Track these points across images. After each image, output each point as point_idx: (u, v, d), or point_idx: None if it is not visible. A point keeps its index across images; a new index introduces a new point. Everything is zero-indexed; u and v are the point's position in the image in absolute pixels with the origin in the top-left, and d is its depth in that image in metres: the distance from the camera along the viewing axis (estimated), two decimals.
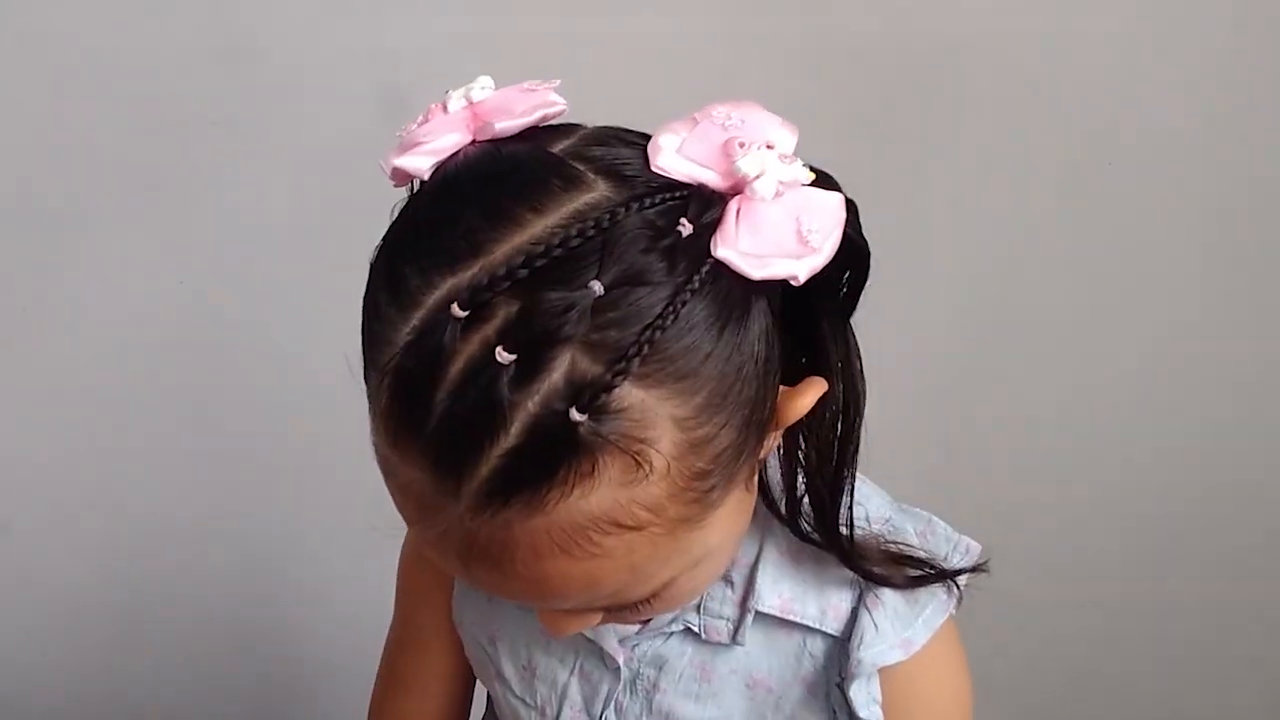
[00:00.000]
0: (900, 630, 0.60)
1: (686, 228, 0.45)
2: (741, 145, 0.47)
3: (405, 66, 1.04)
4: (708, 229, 0.45)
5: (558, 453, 0.43)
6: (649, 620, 0.62)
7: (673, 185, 0.46)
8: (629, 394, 0.44)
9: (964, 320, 1.19)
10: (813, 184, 0.48)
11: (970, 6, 1.08)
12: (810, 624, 0.60)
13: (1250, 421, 1.23)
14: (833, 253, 0.47)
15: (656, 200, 0.45)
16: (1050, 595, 1.26)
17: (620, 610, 0.54)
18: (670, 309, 0.44)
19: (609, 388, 0.43)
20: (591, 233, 0.44)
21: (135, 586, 1.23)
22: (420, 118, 0.50)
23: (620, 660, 0.63)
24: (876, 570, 0.59)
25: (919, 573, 0.60)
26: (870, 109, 1.10)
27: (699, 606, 0.61)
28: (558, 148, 0.48)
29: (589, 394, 0.43)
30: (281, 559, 1.23)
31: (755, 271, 0.45)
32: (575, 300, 0.43)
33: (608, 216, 0.44)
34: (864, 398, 0.55)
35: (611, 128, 0.50)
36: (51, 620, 1.23)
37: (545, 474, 0.44)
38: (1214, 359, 1.20)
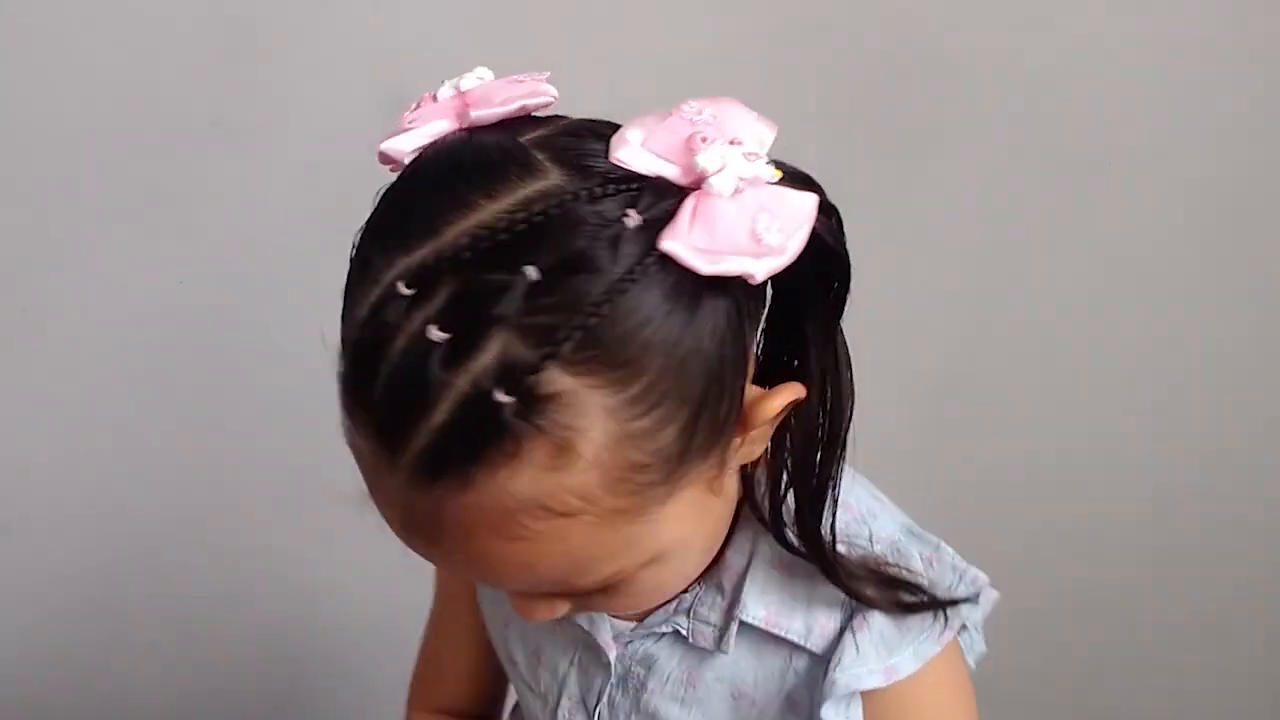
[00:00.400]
0: (884, 656, 0.58)
1: (633, 219, 0.45)
2: (704, 140, 0.47)
3: (405, 66, 1.04)
4: (658, 221, 0.45)
5: (483, 433, 0.44)
6: (643, 618, 0.62)
7: (630, 177, 0.47)
8: (559, 380, 0.44)
9: (964, 321, 1.18)
10: (785, 184, 0.48)
11: (970, 7, 1.08)
12: (795, 640, 0.59)
13: (1252, 422, 1.23)
14: (796, 254, 0.47)
15: (610, 191, 0.46)
16: (1050, 597, 1.26)
17: (582, 599, 0.54)
18: (607, 298, 0.44)
19: (535, 371, 0.44)
20: (538, 219, 0.45)
21: (135, 586, 1.23)
22: (415, 104, 0.52)
23: (612, 656, 0.64)
24: (867, 591, 0.57)
25: (913, 599, 0.58)
26: (869, 110, 1.10)
27: (689, 610, 0.61)
28: (527, 137, 0.49)
29: (516, 376, 0.43)
30: (281, 559, 1.23)
31: (705, 267, 0.45)
32: (510, 283, 0.44)
33: (556, 204, 0.45)
34: (850, 407, 0.54)
35: (592, 121, 0.50)
36: (51, 620, 1.23)
37: (472, 453, 0.45)
38: (1215, 361, 1.20)
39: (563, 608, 0.55)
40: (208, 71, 1.05)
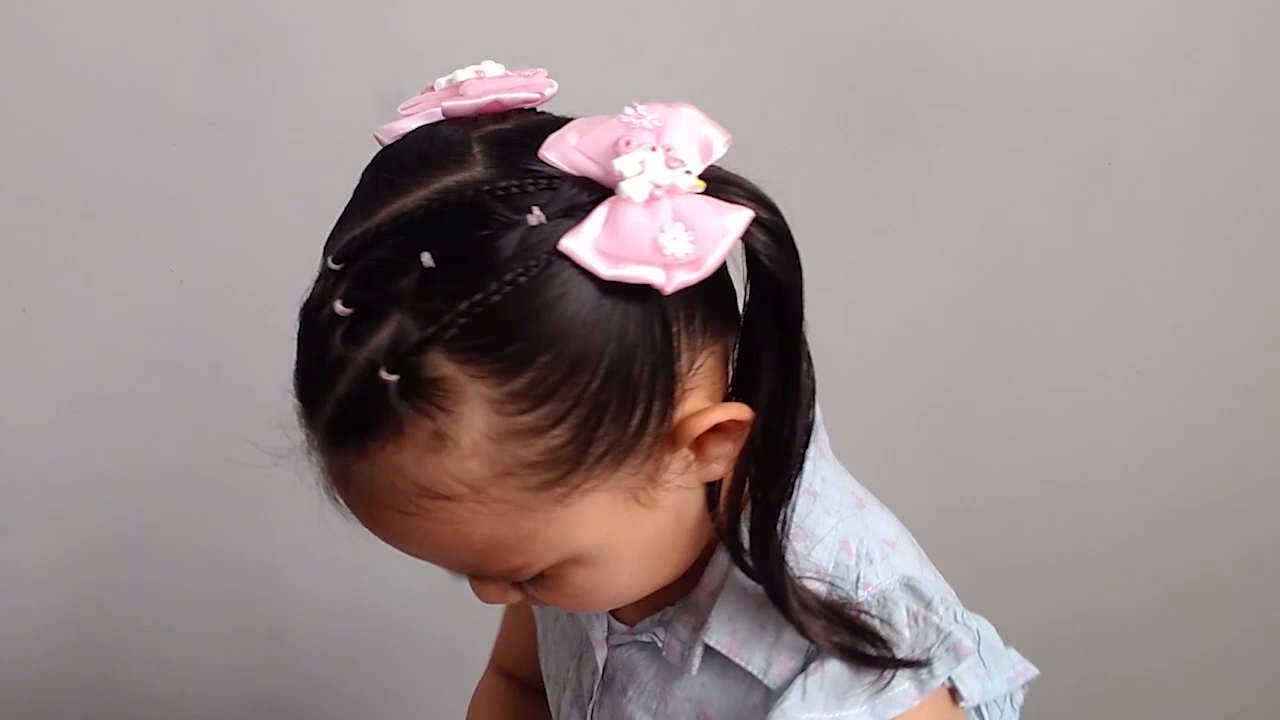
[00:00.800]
0: (833, 706, 0.55)
1: (535, 216, 0.45)
2: (627, 144, 0.47)
3: (405, 65, 1.04)
4: (568, 221, 0.46)
5: (372, 409, 0.46)
6: (635, 624, 0.63)
7: (553, 176, 0.47)
8: (442, 365, 0.46)
9: (963, 321, 1.18)
10: (729, 197, 0.47)
11: (970, 5, 1.08)
12: (754, 673, 0.57)
13: (1251, 421, 1.23)
14: (712, 269, 0.46)
15: (527, 187, 0.46)
16: (1047, 596, 1.26)
17: (527, 589, 0.55)
18: (496, 290, 0.45)
19: (416, 353, 0.45)
20: (449, 208, 0.46)
21: (135, 586, 1.23)
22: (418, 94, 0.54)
23: (599, 657, 0.64)
24: (818, 630, 0.54)
25: (873, 652, 0.55)
26: (868, 108, 1.10)
27: (668, 624, 0.61)
28: (482, 130, 0.50)
29: (401, 357, 0.45)
30: (283, 558, 1.23)
31: (605, 270, 0.45)
32: (407, 267, 0.45)
33: (470, 195, 0.46)
34: (800, 438, 0.52)
35: (559, 119, 0.51)
36: (50, 621, 1.23)
37: (364, 427, 0.47)
38: (1215, 360, 1.20)
39: (514, 595, 0.56)
40: (206, 71, 1.05)
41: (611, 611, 0.64)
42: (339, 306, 0.46)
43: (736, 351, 0.53)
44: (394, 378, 0.45)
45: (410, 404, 0.46)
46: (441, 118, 0.51)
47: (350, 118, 1.04)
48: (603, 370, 0.46)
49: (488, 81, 0.52)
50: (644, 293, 0.46)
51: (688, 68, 1.06)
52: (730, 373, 0.53)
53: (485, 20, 1.05)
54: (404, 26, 1.06)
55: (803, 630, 0.55)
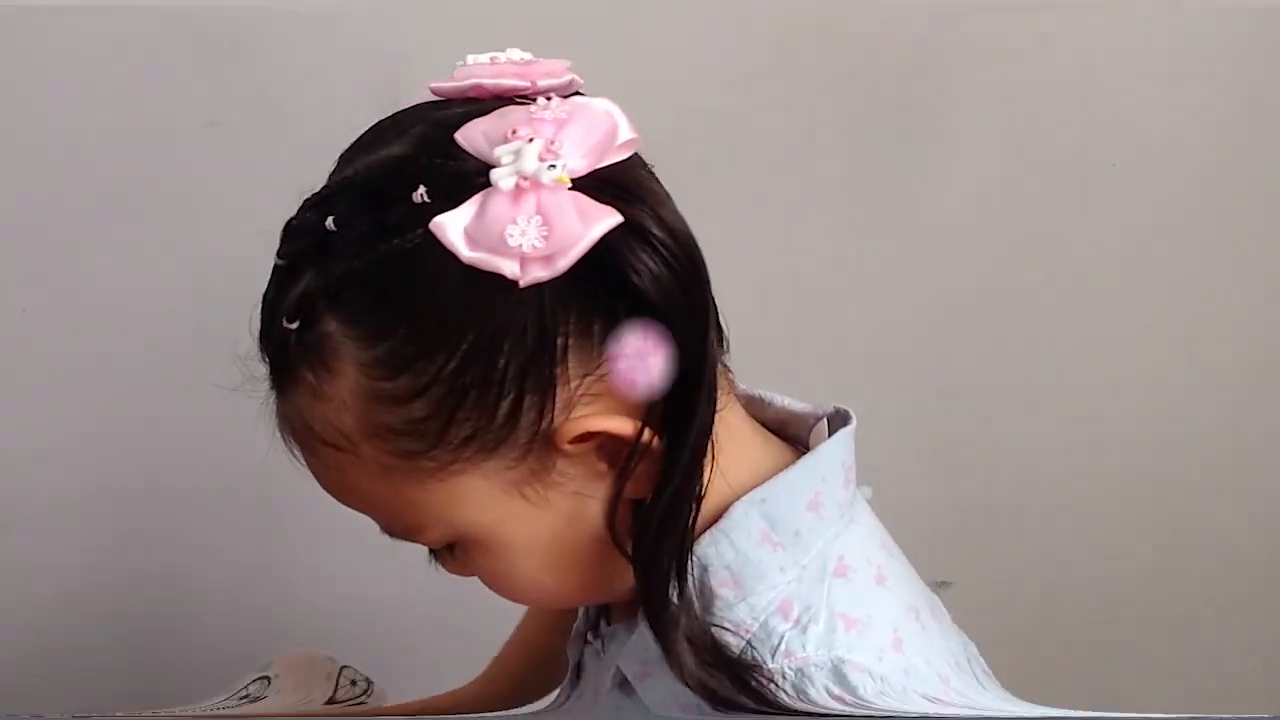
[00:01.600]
0: None
1: (419, 194, 0.47)
2: (514, 133, 0.48)
3: (405, 66, 1.04)
4: (449, 202, 0.47)
5: (283, 354, 0.51)
6: (613, 619, 0.62)
7: (458, 158, 0.48)
8: (329, 322, 0.49)
9: (963, 321, 1.18)
10: (605, 200, 0.47)
11: (973, 5, 1.08)
12: (650, 707, 0.55)
13: (1251, 421, 1.23)
14: (563, 269, 0.46)
15: (428, 166, 0.48)
16: (1046, 596, 1.26)
17: (443, 557, 0.57)
18: (372, 258, 0.48)
19: (309, 307, 0.49)
20: (365, 179, 0.49)
21: (136, 587, 1.22)
22: None
23: (574, 648, 0.65)
24: (698, 677, 0.50)
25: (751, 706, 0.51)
26: (869, 108, 1.10)
27: (611, 636, 0.61)
28: (442, 113, 0.51)
29: (299, 310, 0.49)
30: (284, 558, 1.23)
31: (464, 252, 0.46)
32: (319, 229, 0.49)
33: (381, 170, 0.49)
34: (689, 463, 0.50)
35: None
36: (51, 620, 1.23)
37: (280, 368, 0.52)
38: (1217, 360, 1.20)
39: (463, 568, 0.56)
40: (207, 71, 1.05)
41: (604, 607, 0.63)
42: (277, 258, 0.51)
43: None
44: (293, 326, 0.49)
45: (300, 353, 0.49)
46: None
47: (350, 118, 1.05)
48: (461, 353, 0.47)
49: (476, 67, 0.53)
50: (511, 285, 0.46)
51: (688, 67, 1.05)
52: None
53: (486, 19, 1.05)
54: (405, 27, 1.06)
55: (670, 656, 0.51)
